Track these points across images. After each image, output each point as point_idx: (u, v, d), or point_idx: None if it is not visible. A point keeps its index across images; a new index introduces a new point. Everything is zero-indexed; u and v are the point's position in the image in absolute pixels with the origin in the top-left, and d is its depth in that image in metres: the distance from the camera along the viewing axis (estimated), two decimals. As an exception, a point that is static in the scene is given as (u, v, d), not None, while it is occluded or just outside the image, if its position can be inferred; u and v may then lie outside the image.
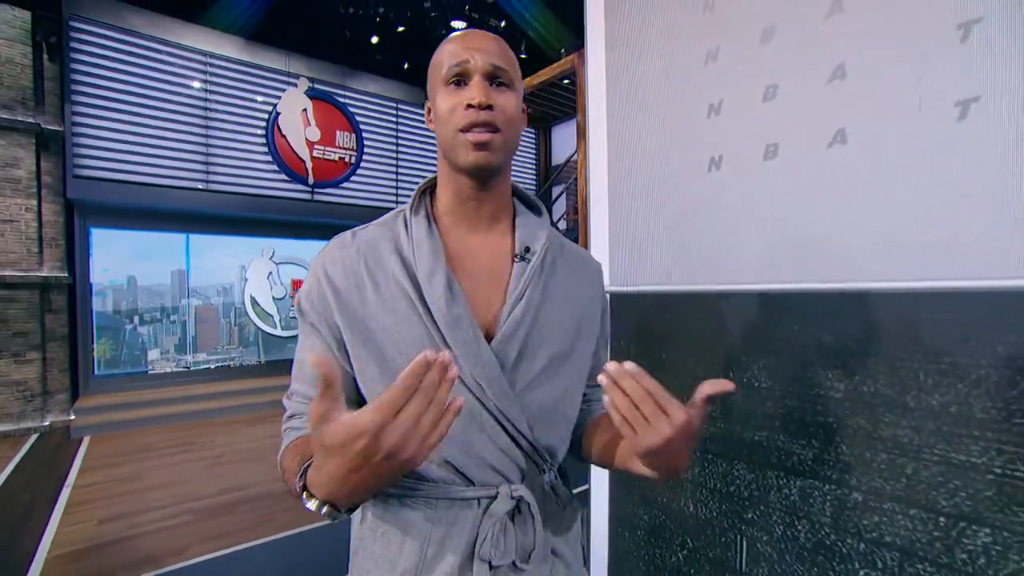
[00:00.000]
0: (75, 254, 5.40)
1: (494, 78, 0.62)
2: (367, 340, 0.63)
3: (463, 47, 0.63)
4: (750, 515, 1.10)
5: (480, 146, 0.61)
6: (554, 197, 9.24)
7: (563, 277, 0.72)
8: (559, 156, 9.73)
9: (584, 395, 0.77)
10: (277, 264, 7.02)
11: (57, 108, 5.00)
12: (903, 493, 0.88)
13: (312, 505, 0.49)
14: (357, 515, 0.69)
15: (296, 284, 7.05)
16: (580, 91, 6.89)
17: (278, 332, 7.08)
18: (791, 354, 1.03)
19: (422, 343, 0.61)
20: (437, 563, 0.61)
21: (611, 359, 1.58)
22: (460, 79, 0.62)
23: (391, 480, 0.47)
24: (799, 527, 1.02)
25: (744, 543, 1.12)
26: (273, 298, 7.00)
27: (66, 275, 5.22)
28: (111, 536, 2.71)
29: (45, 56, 4.93)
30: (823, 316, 0.99)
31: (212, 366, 6.52)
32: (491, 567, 0.61)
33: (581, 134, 6.93)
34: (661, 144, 1.26)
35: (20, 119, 4.76)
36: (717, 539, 1.17)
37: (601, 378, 0.53)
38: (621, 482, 1.39)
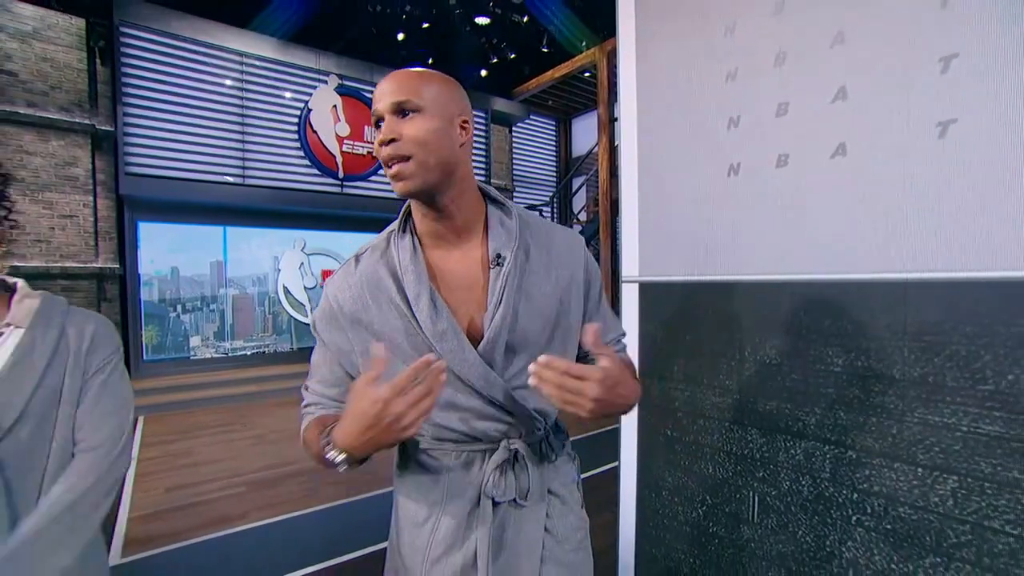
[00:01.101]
0: (125, 247, 5.75)
1: (400, 111, 0.69)
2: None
3: (376, 94, 0.71)
4: (761, 473, 1.28)
5: (395, 178, 0.70)
6: (574, 189, 9.35)
7: (540, 264, 0.79)
8: (579, 148, 9.81)
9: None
10: (308, 255, 7.25)
11: (109, 109, 5.31)
12: (889, 450, 1.05)
13: (333, 454, 0.66)
14: (399, 465, 0.86)
15: (326, 274, 7.26)
16: (601, 84, 6.99)
17: (309, 320, 7.35)
18: (797, 335, 1.20)
19: (417, 351, 0.74)
20: (455, 498, 0.78)
21: (641, 343, 1.76)
22: (378, 122, 0.71)
23: (393, 441, 0.63)
24: (803, 482, 1.20)
25: (756, 498, 1.30)
26: (304, 288, 7.23)
27: (118, 266, 5.57)
28: (179, 502, 3.01)
29: (98, 60, 5.24)
30: (825, 302, 1.16)
31: (249, 352, 6.82)
32: (495, 503, 0.77)
33: (602, 127, 7.03)
34: (686, 152, 1.43)
35: (77, 120, 5.09)
36: (732, 495, 1.35)
37: (531, 380, 0.63)
38: (648, 451, 1.58)
